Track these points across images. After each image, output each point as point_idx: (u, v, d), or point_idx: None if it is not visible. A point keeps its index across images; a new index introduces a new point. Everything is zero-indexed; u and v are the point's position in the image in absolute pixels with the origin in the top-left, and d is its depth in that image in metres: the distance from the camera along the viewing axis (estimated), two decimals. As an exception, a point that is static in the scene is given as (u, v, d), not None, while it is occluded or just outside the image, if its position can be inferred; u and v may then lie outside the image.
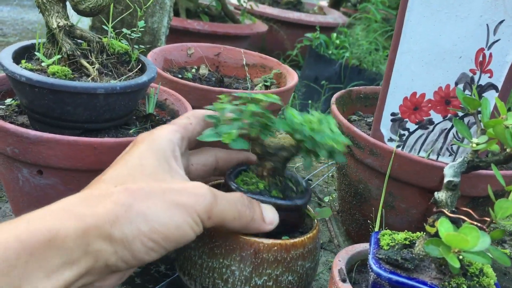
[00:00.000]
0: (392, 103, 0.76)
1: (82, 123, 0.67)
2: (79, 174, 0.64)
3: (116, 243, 0.44)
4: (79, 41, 0.73)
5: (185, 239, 0.48)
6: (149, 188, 0.47)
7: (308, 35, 2.15)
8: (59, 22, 0.70)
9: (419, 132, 0.76)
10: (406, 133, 0.76)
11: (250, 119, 0.57)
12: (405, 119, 0.76)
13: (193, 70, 1.05)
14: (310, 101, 1.97)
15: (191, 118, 0.60)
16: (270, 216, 0.55)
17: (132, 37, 0.76)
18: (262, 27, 2.17)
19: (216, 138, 0.56)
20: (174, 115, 0.80)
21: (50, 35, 0.72)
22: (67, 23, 0.70)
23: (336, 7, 2.78)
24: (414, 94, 0.75)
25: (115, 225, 0.44)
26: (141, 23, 0.78)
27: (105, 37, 0.74)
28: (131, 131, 0.73)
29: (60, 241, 0.41)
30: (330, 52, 2.16)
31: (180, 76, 0.99)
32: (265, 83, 1.01)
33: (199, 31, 1.92)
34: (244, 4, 2.23)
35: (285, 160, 0.60)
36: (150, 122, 0.77)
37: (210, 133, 0.57)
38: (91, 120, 0.67)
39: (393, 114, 0.76)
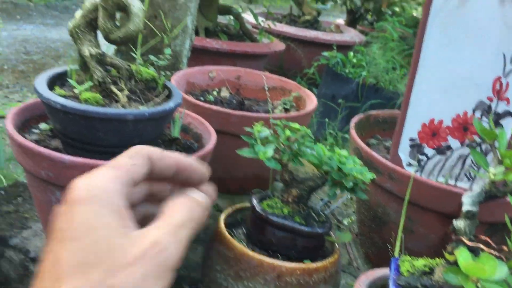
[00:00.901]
0: (411, 129, 0.78)
1: (112, 148, 0.70)
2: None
3: None
4: (109, 67, 0.77)
5: None
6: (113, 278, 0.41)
7: (325, 53, 2.18)
8: (91, 51, 0.74)
9: (437, 157, 0.77)
10: (424, 158, 0.78)
11: (285, 142, 0.61)
12: (423, 145, 0.77)
13: (215, 93, 1.08)
14: (327, 120, 1.99)
15: (134, 157, 0.50)
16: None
17: (160, 64, 0.79)
18: (279, 45, 2.20)
19: (253, 155, 0.60)
20: (198, 138, 0.83)
21: (82, 63, 0.76)
22: (98, 52, 0.74)
23: (352, 25, 2.81)
24: (432, 120, 0.76)
25: None
26: (167, 51, 0.81)
27: (133, 64, 0.78)
28: (157, 154, 0.76)
29: None
30: (347, 70, 2.18)
31: (202, 98, 1.03)
32: (285, 106, 1.04)
33: (218, 50, 1.95)
34: (262, 23, 2.27)
35: (311, 189, 0.63)
36: (176, 145, 0.80)
37: (248, 151, 0.61)
38: (121, 144, 0.70)
39: (411, 139, 0.78)
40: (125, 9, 0.74)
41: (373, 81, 2.12)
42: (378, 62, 2.29)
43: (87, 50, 0.74)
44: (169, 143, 0.79)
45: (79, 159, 0.64)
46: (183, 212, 0.42)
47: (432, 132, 0.77)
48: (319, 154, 0.63)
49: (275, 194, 0.67)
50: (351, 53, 2.25)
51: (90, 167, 0.64)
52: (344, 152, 0.64)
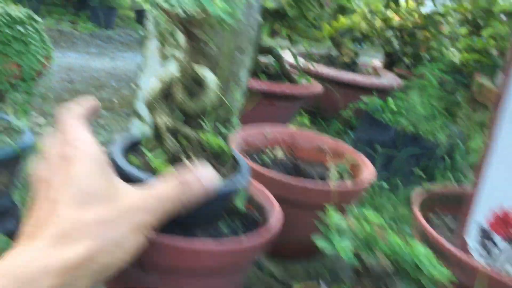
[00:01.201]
0: (480, 215, 0.76)
1: (180, 222, 0.70)
2: (178, 275, 0.67)
3: None
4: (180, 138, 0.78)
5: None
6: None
7: (365, 99, 2.18)
8: (165, 122, 0.75)
9: (508, 248, 0.75)
10: (494, 247, 0.76)
11: (362, 235, 0.60)
12: (493, 233, 0.76)
13: (268, 151, 1.09)
14: (364, 167, 1.97)
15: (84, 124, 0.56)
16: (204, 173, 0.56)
17: (229, 133, 0.80)
18: (317, 87, 2.21)
19: (332, 249, 0.60)
20: (259, 208, 0.83)
21: (155, 132, 0.77)
22: (173, 123, 0.75)
23: (390, 67, 2.82)
24: (504, 209, 0.75)
25: None
26: (235, 120, 0.82)
27: (203, 133, 0.79)
28: (220, 226, 0.76)
29: None
30: (385, 117, 2.18)
31: (256, 158, 1.03)
32: (339, 171, 1.03)
33: (257, 90, 1.98)
34: (301, 65, 2.29)
35: (383, 281, 0.62)
36: (239, 216, 0.80)
37: (323, 242, 0.61)
38: (191, 219, 0.71)
39: (480, 225, 0.76)
40: (200, 83, 0.76)
41: (412, 128, 2.10)
42: (417, 109, 2.28)
43: (161, 121, 0.75)
44: (234, 215, 0.80)
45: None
46: (173, 189, 0.53)
47: (503, 220, 0.75)
48: (393, 246, 0.63)
49: (345, 281, 0.66)
50: (390, 99, 2.24)
51: (152, 241, 0.64)
52: (418, 246, 0.63)
